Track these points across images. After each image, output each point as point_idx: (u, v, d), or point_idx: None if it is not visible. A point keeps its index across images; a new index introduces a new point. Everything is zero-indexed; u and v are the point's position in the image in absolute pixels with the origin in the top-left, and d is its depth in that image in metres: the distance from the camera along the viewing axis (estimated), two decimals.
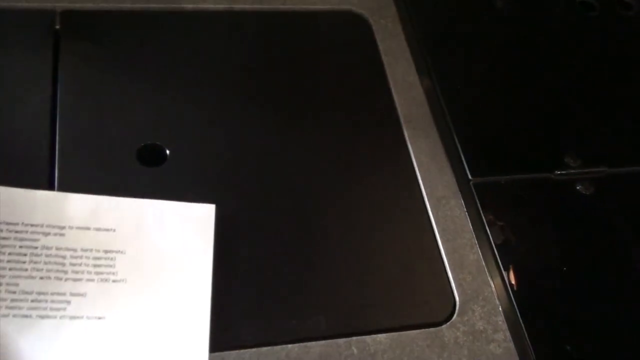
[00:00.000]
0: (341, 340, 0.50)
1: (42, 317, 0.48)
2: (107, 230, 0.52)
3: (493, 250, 0.57)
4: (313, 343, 0.50)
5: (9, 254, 0.49)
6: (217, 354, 0.48)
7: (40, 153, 0.55)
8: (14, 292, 0.48)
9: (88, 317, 0.49)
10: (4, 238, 0.50)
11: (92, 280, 0.50)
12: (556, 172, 0.63)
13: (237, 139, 0.60)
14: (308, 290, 0.53)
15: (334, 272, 0.54)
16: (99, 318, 0.49)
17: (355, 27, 0.72)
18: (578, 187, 0.62)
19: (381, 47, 0.70)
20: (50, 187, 0.54)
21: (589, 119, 0.68)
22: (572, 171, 0.63)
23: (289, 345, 0.50)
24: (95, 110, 0.59)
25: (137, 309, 0.50)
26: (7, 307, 0.48)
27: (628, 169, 0.66)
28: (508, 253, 0.57)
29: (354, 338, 0.51)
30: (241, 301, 0.52)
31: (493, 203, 0.59)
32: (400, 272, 0.55)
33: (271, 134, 0.62)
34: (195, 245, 0.53)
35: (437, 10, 0.75)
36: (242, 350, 0.49)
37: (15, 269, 0.49)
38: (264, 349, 0.49)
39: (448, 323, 0.53)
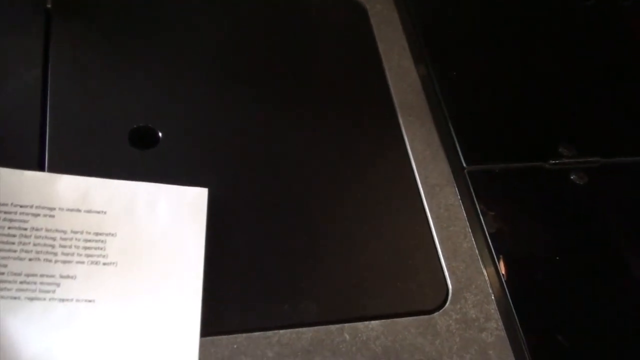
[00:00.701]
0: (333, 327, 0.50)
1: (30, 299, 0.47)
2: (97, 212, 0.52)
3: (486, 238, 0.56)
4: (305, 329, 0.50)
5: None
6: (208, 338, 0.48)
7: (31, 133, 0.55)
8: (3, 274, 0.48)
9: (78, 300, 0.48)
10: None
11: (82, 262, 0.49)
12: (550, 161, 0.62)
13: (230, 122, 0.60)
14: (300, 275, 0.53)
15: (327, 258, 0.54)
16: (89, 301, 0.48)
17: (351, 12, 0.71)
18: (572, 177, 0.62)
19: (377, 33, 0.69)
20: (40, 167, 0.53)
21: (583, 108, 0.68)
22: (566, 161, 0.63)
23: (281, 331, 0.49)
24: (86, 90, 0.58)
25: (127, 292, 0.49)
26: None
27: (622, 159, 0.66)
28: (501, 242, 0.56)
29: (346, 324, 0.50)
30: (233, 286, 0.51)
31: (487, 191, 0.59)
32: (393, 259, 0.55)
33: (264, 119, 0.61)
34: (188, 229, 0.52)
35: None
36: (233, 335, 0.49)
37: (4, 250, 0.48)
38: (256, 334, 0.49)
39: (441, 311, 0.52)
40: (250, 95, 0.62)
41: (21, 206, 0.50)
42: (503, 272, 0.55)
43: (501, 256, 0.56)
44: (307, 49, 0.67)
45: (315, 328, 0.50)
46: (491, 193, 0.59)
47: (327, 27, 0.70)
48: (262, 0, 0.69)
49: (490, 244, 0.56)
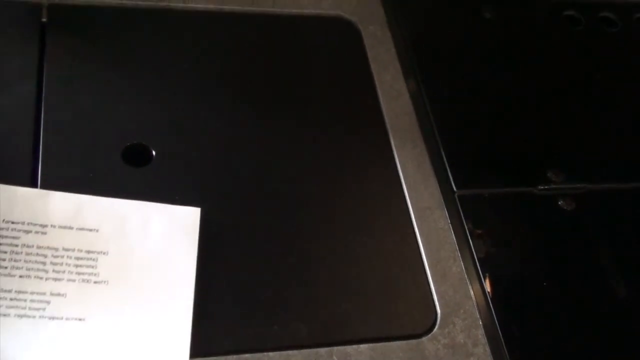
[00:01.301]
0: (322, 350, 0.50)
1: (20, 316, 0.47)
2: (90, 230, 0.52)
3: (475, 263, 0.57)
4: (294, 351, 0.50)
5: None
6: (197, 359, 0.48)
7: (24, 149, 0.54)
8: None
9: (67, 318, 0.48)
10: None
11: (73, 280, 0.49)
12: (539, 187, 0.63)
13: (223, 141, 0.60)
14: (290, 297, 0.53)
15: (317, 280, 0.54)
16: (79, 319, 0.48)
17: (344, 33, 0.71)
18: (560, 203, 0.63)
19: (370, 54, 0.70)
20: (32, 184, 0.53)
21: (573, 134, 0.69)
22: (555, 186, 0.63)
23: (270, 353, 0.49)
24: (80, 106, 0.58)
25: (118, 311, 0.49)
26: None
27: (608, 186, 0.66)
28: (490, 267, 0.57)
29: (335, 348, 0.51)
30: (223, 306, 0.51)
31: (477, 216, 0.60)
32: (383, 282, 0.55)
33: (257, 138, 0.61)
34: (179, 249, 0.52)
35: (426, 19, 0.75)
36: (222, 357, 0.49)
37: None
38: (245, 355, 0.49)
39: (429, 335, 0.53)
40: (244, 115, 0.62)
41: (13, 222, 0.50)
42: (491, 297, 0.55)
43: (489, 281, 0.56)
44: (300, 69, 0.68)
45: (305, 351, 0.50)
46: (481, 217, 0.60)
47: (321, 48, 0.70)
48: (255, 20, 0.69)
49: (479, 268, 0.57)
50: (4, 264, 0.49)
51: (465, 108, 0.69)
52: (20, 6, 0.62)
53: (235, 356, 0.49)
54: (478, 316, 0.54)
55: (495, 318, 0.54)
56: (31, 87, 0.58)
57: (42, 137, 0.55)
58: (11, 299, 0.48)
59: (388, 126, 0.64)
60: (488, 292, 0.56)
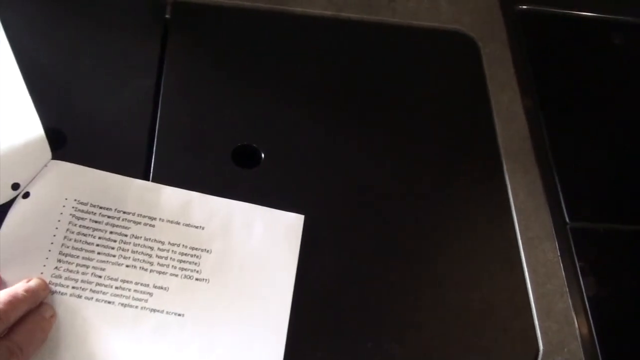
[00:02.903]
0: None
1: (124, 305, 0.48)
2: (196, 227, 0.52)
3: (584, 301, 0.54)
4: None
5: (100, 238, 0.50)
6: None
7: (139, 142, 0.56)
8: (100, 277, 0.49)
9: (168, 312, 0.49)
10: (96, 222, 0.51)
11: (176, 275, 0.50)
12: None
13: (332, 149, 0.60)
14: (387, 316, 0.52)
15: (416, 302, 0.53)
16: (179, 315, 0.49)
17: (462, 48, 0.70)
18: None
19: (487, 72, 0.68)
20: (145, 176, 0.54)
21: None
22: None
23: None
24: (196, 103, 0.59)
25: (217, 311, 0.49)
26: (92, 291, 0.48)
27: None
28: (600, 307, 0.54)
29: None
30: (318, 317, 0.51)
31: (589, 251, 0.57)
32: (484, 310, 0.53)
33: (366, 149, 0.60)
34: (281, 254, 0.52)
35: (551, 42, 0.72)
36: None
37: (103, 253, 0.50)
38: None
39: None
40: (352, 125, 0.62)
41: (124, 212, 0.52)
42: (599, 339, 0.52)
43: (598, 322, 0.53)
44: (414, 83, 0.66)
45: None
46: (594, 254, 0.57)
47: (437, 62, 0.69)
48: (371, 29, 0.68)
49: (588, 308, 0.54)
50: (112, 252, 0.50)
51: (585, 135, 0.65)
52: (146, 2, 0.64)
53: None
54: (583, 358, 0.52)
55: None
56: (151, 82, 0.59)
57: (157, 132, 0.56)
58: (116, 288, 0.49)
59: (501, 149, 0.62)
60: (595, 334, 0.52)
